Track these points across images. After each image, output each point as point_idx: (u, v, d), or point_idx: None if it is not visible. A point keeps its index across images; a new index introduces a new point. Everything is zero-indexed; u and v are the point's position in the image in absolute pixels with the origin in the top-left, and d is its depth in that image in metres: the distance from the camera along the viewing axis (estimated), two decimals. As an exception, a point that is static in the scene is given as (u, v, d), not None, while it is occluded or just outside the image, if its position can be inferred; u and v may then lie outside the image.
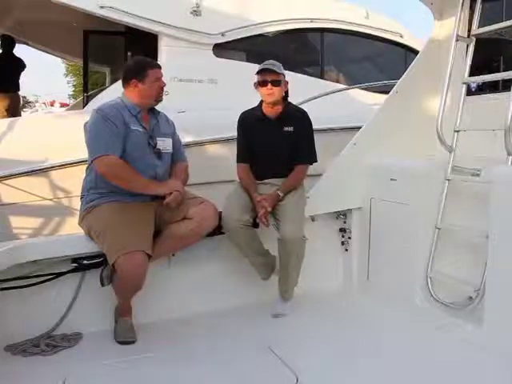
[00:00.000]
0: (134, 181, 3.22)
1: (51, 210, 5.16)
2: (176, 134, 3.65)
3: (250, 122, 3.80)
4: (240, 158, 3.82)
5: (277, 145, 3.70)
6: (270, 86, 3.58)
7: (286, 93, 3.73)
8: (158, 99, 3.44)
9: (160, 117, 3.53)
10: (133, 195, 3.26)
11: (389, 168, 3.90)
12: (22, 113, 9.93)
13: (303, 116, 3.77)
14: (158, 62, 3.54)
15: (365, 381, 2.80)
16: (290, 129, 3.69)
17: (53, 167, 5.11)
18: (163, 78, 3.43)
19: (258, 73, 3.64)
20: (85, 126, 3.31)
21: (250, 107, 3.84)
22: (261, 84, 3.62)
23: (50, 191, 5.15)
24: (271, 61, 3.65)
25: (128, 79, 3.36)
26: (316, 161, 3.78)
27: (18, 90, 8.08)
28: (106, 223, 3.17)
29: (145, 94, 3.35)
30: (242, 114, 3.87)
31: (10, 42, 7.72)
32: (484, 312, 3.08)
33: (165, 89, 3.44)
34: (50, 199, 5.15)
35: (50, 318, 3.31)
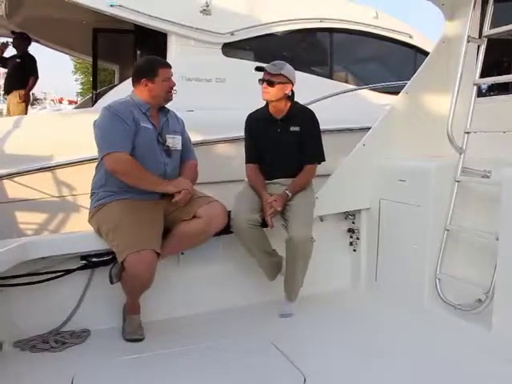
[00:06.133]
0: (143, 178, 3.23)
1: (60, 207, 5.18)
2: (185, 131, 3.66)
3: (257, 123, 3.81)
4: (248, 159, 3.83)
5: (284, 145, 3.71)
6: (265, 84, 3.62)
7: (293, 93, 3.73)
8: (168, 99, 3.45)
9: (170, 115, 3.54)
10: (142, 193, 3.26)
11: (398, 169, 3.90)
12: (32, 109, 10.02)
13: (309, 115, 3.77)
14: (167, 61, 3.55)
15: (372, 381, 2.80)
16: (297, 128, 3.70)
17: (62, 165, 5.12)
18: (173, 78, 3.44)
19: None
20: (94, 123, 3.31)
21: (258, 107, 3.85)
22: (260, 82, 3.66)
23: (59, 189, 5.16)
24: (276, 61, 3.65)
25: (138, 78, 3.37)
26: (324, 160, 3.78)
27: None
28: (115, 221, 3.17)
29: (155, 93, 3.36)
30: (249, 114, 3.88)
31: (25, 41, 7.80)
32: (493, 315, 3.06)
33: (174, 88, 3.45)
34: (59, 197, 5.16)
35: (59, 315, 3.33)
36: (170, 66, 3.44)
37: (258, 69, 3.66)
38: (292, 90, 3.71)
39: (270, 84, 3.60)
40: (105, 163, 3.21)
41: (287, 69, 3.63)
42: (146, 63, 3.47)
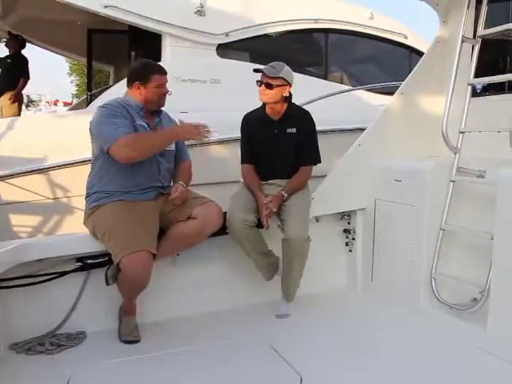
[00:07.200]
0: (152, 140, 3.27)
1: (55, 209, 5.17)
2: None
3: (254, 123, 3.80)
4: (244, 159, 3.82)
5: (280, 146, 3.70)
6: (263, 87, 3.60)
7: (290, 95, 3.72)
8: (160, 105, 3.45)
9: (163, 115, 3.55)
10: (138, 194, 3.29)
11: (393, 169, 3.90)
12: (27, 111, 9.97)
13: (306, 117, 3.76)
14: (162, 63, 3.53)
15: (368, 381, 2.80)
16: (293, 130, 3.69)
17: (56, 167, 5.11)
18: (167, 78, 3.43)
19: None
20: (91, 123, 3.29)
21: (253, 108, 3.85)
22: (258, 83, 3.64)
23: (53, 191, 5.15)
24: (275, 63, 3.63)
25: (132, 81, 3.37)
26: (320, 161, 3.78)
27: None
28: (110, 222, 3.17)
29: (146, 98, 3.35)
30: (246, 115, 3.87)
31: (18, 42, 7.77)
32: (488, 314, 3.07)
33: (168, 88, 3.44)
34: (54, 199, 5.15)
35: (55, 317, 3.32)
36: (165, 73, 3.41)
37: (256, 71, 3.65)
38: (289, 92, 3.70)
39: (269, 87, 3.58)
40: (114, 156, 3.14)
41: (286, 71, 3.61)
42: (141, 67, 3.46)
